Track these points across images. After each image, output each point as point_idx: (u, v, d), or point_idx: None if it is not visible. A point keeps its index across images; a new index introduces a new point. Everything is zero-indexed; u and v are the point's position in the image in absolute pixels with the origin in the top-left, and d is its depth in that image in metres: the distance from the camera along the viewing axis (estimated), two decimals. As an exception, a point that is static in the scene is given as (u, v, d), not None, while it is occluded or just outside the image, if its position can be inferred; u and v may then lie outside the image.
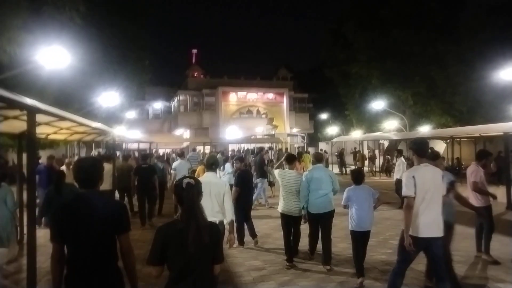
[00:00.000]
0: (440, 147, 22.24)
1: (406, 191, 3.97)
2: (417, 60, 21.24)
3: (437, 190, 4.00)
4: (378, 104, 22.76)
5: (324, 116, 35.15)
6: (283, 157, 7.47)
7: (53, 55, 9.15)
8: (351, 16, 25.81)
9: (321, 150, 26.58)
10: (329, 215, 5.86)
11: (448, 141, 20.04)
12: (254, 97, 39.60)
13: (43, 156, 18.37)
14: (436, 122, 22.88)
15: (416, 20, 21.89)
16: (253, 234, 7.54)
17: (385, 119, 24.91)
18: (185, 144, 35.20)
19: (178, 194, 2.52)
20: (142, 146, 23.81)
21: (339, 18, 27.84)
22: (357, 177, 5.42)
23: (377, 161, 25.46)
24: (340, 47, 26.42)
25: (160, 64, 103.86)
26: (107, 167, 8.60)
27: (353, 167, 22.68)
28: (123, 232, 2.63)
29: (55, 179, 6.19)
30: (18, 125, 7.16)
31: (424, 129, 21.67)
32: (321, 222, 5.89)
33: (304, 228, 6.42)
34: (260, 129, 38.49)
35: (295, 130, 38.62)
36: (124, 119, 28.32)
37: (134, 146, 29.41)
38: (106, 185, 7.96)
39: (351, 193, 5.28)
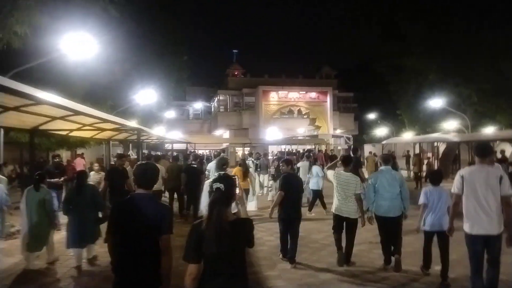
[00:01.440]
0: (509, 150, 19.63)
1: (452, 189, 4.33)
2: (483, 51, 18.80)
3: (489, 189, 4.07)
4: (436, 102, 20.46)
5: (371, 116, 32.81)
6: (338, 158, 6.92)
7: (79, 43, 8.25)
8: (404, 4, 23.62)
9: (371, 152, 24.52)
10: (397, 220, 5.60)
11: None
12: (296, 96, 37.98)
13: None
14: (505, 122, 20.25)
15: (479, 6, 19.49)
16: (292, 257, 6.04)
17: (442, 119, 22.53)
18: (224, 145, 34.30)
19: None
20: (181, 146, 23.06)
21: (390, 6, 25.68)
22: (436, 178, 5.42)
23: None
24: (393, 39, 24.29)
25: (200, 64, 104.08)
26: (159, 168, 7.86)
27: (405, 172, 20.65)
28: (164, 234, 2.84)
29: (76, 179, 6.00)
30: (29, 120, 6.21)
31: (489, 130, 19.23)
32: (388, 226, 5.62)
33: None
34: (302, 130, 36.87)
35: (338, 131, 36.63)
36: (164, 119, 27.77)
37: (175, 146, 28.98)
38: (157, 185, 7.34)
39: (429, 193, 5.25)
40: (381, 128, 31.09)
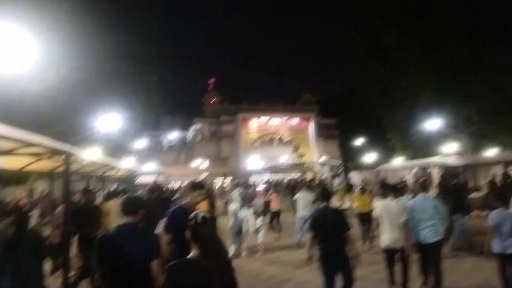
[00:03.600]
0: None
1: None
2: (483, 67, 17.36)
3: None
4: (432, 123, 18.70)
5: (358, 142, 30.99)
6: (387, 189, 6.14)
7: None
8: (390, 25, 22.32)
9: (363, 179, 22.42)
10: (437, 244, 5.52)
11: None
12: (277, 123, 36.08)
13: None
14: (507, 142, 18.64)
15: (472, 28, 18.26)
16: None
17: (439, 142, 20.79)
18: (203, 175, 31.62)
19: (193, 229, 2.45)
20: (151, 179, 20.31)
21: (374, 28, 24.40)
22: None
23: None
24: (379, 61, 22.84)
25: (175, 92, 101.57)
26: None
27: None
28: (155, 259, 2.96)
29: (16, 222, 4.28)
30: None
31: (491, 152, 17.56)
32: (429, 252, 5.52)
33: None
34: (285, 157, 34.75)
35: (322, 159, 34.70)
36: (133, 150, 25.05)
37: (148, 179, 26.16)
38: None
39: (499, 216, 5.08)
40: (369, 154, 29.20)
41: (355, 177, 33.47)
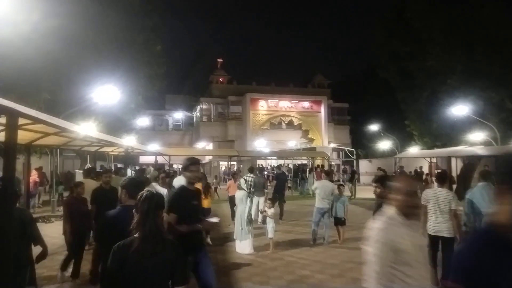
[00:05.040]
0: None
1: None
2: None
3: None
4: (459, 109, 17.07)
5: (372, 128, 29.30)
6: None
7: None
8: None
9: (379, 168, 21.00)
10: None
11: None
12: (287, 105, 34.47)
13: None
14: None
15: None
16: None
17: (462, 131, 19.20)
18: (207, 158, 30.35)
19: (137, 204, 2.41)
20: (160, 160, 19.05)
21: (398, 3, 22.47)
22: None
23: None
24: (402, 39, 21.08)
25: (181, 70, 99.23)
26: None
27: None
28: None
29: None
30: None
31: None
32: None
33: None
34: (293, 142, 33.30)
35: (332, 145, 33.19)
36: (135, 127, 23.73)
37: (147, 159, 24.97)
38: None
39: None
40: (383, 141, 27.67)
41: (365, 166, 32.09)
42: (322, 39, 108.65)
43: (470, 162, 20.27)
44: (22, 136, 7.35)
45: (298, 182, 21.98)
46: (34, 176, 14.01)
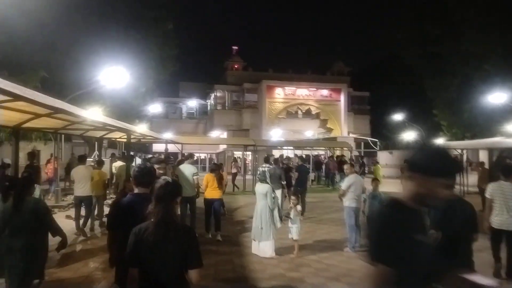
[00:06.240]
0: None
1: None
2: None
3: None
4: (497, 97, 15.48)
5: (395, 117, 27.70)
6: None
7: None
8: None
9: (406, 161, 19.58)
10: None
11: None
12: (305, 93, 33.05)
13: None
14: None
15: None
16: None
17: (496, 121, 17.64)
18: (221, 148, 29.33)
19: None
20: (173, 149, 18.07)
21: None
22: None
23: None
24: (433, 20, 19.48)
25: (195, 57, 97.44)
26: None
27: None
28: None
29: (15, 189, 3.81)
30: None
31: None
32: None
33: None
34: (311, 132, 32.00)
35: (353, 135, 31.75)
36: (147, 115, 22.79)
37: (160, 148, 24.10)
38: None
39: None
40: (407, 132, 26.10)
41: (385, 158, 30.54)
42: (342, 25, 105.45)
43: (505, 155, 18.78)
44: (9, 117, 6.34)
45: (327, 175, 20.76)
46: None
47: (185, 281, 2.40)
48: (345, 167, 7.81)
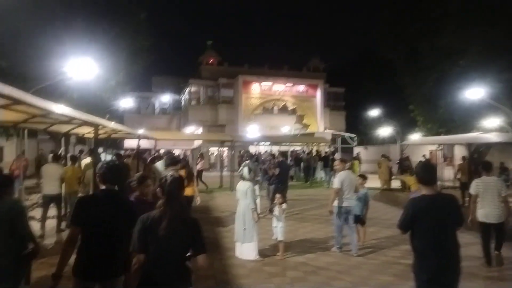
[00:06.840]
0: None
1: None
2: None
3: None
4: (474, 93, 15.55)
5: (370, 114, 27.81)
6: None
7: None
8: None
9: (384, 156, 19.62)
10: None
11: None
12: (281, 89, 32.68)
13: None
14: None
15: None
16: None
17: (471, 116, 17.82)
18: (196, 144, 28.57)
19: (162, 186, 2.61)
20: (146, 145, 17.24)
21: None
22: None
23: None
24: (411, 16, 19.46)
25: (169, 51, 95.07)
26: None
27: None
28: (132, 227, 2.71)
29: None
30: None
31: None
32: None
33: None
34: (287, 128, 31.69)
35: (331, 131, 31.70)
36: (119, 109, 21.82)
37: (132, 143, 23.13)
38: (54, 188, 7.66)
39: None
40: (384, 128, 26.21)
41: (361, 153, 30.69)
42: (319, 20, 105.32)
43: (482, 149, 19.07)
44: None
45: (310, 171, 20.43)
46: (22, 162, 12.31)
47: (187, 268, 2.59)
48: (336, 163, 7.37)
